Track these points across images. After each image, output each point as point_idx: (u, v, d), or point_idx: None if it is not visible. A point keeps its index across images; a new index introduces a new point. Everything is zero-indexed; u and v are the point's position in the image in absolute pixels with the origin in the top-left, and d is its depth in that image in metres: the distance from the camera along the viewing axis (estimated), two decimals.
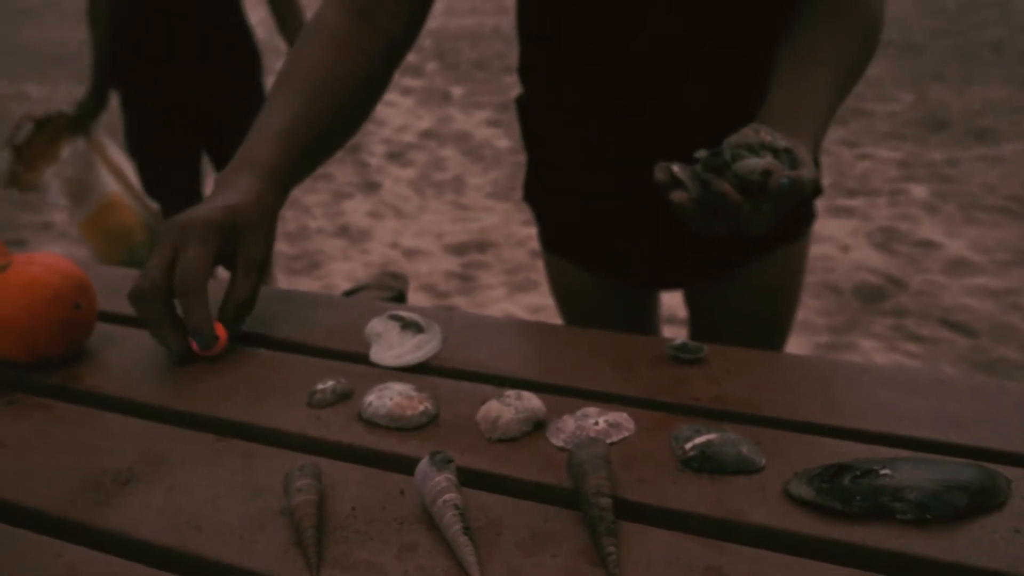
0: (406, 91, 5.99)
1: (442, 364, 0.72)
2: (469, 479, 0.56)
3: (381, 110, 5.51)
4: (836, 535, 0.49)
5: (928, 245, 3.12)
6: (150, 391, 0.69)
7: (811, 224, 1.03)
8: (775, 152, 0.66)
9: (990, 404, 0.62)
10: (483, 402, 0.63)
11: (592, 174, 0.97)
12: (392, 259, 3.26)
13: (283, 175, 0.78)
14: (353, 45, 0.82)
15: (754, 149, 0.67)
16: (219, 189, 0.75)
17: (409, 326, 0.74)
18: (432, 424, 0.63)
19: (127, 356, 0.75)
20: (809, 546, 0.49)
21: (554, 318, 2.60)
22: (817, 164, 0.80)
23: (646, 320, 1.16)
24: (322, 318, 0.81)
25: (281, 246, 3.38)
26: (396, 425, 0.62)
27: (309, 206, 3.83)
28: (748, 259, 0.99)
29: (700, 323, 1.12)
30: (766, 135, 0.67)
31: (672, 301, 2.54)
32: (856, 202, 3.57)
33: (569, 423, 0.61)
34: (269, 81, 2.14)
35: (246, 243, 0.73)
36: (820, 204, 3.52)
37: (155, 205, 2.27)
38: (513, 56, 6.88)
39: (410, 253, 3.30)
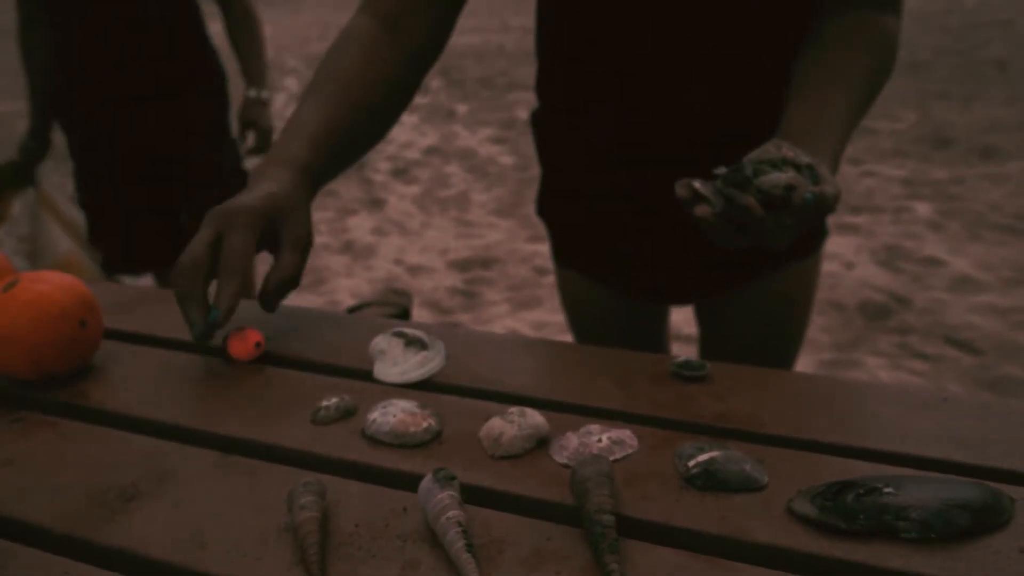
0: (411, 108, 6.02)
1: (446, 381, 0.72)
2: (472, 496, 0.56)
3: None
4: (839, 553, 0.49)
5: (933, 263, 3.12)
6: (155, 408, 0.69)
7: (823, 240, 1.03)
8: (797, 168, 0.67)
9: (995, 423, 0.62)
10: (486, 419, 0.63)
11: (606, 187, 0.97)
12: (396, 275, 3.26)
13: (314, 173, 0.80)
14: (381, 53, 0.85)
15: (776, 164, 0.67)
16: (255, 181, 0.78)
17: (413, 343, 0.74)
18: (435, 441, 0.63)
19: (132, 373, 0.75)
20: (812, 564, 0.49)
21: (558, 335, 2.60)
22: None
23: (656, 336, 1.16)
24: (326, 335, 0.81)
25: None
26: (400, 442, 0.62)
27: (314, 222, 3.84)
28: (760, 274, 1.00)
29: (711, 338, 1.12)
30: (788, 151, 0.68)
31: (678, 318, 2.54)
32: (860, 219, 3.57)
33: (572, 440, 0.61)
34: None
35: (290, 224, 0.75)
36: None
37: (99, 255, 2.00)
38: (518, 74, 6.91)
39: (414, 269, 3.31)
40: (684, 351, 2.46)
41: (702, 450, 0.58)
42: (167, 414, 0.68)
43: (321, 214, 3.96)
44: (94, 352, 0.75)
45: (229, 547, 0.52)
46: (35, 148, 1.93)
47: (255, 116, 1.94)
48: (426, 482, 0.53)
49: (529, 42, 8.29)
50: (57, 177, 2.10)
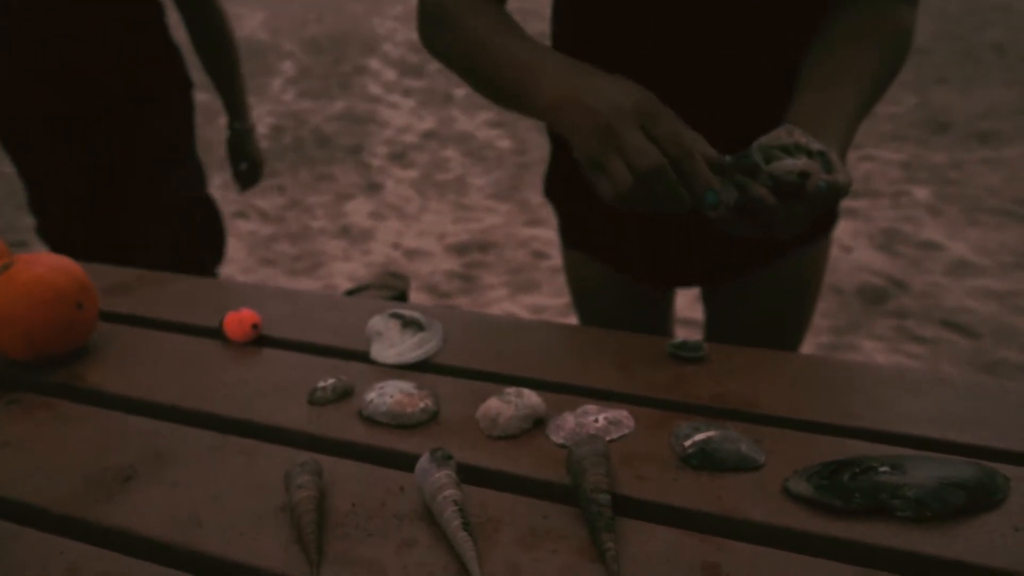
0: (408, 92, 5.99)
1: (443, 362, 0.72)
2: (469, 476, 0.56)
3: (383, 111, 5.51)
4: (835, 532, 0.49)
5: (930, 247, 3.12)
6: (152, 389, 0.69)
7: (833, 225, 1.03)
8: (809, 154, 0.65)
9: (990, 403, 0.62)
10: (483, 400, 0.63)
11: None
12: (394, 259, 3.26)
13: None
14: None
15: (788, 150, 0.66)
16: (589, 78, 0.70)
17: (410, 324, 0.74)
18: (432, 421, 0.63)
19: (129, 355, 0.75)
20: (808, 543, 0.49)
21: (556, 319, 2.60)
22: None
23: (661, 319, 1.16)
24: (323, 316, 0.81)
25: (283, 246, 3.38)
26: (396, 422, 0.62)
27: (311, 206, 3.83)
28: (768, 259, 0.99)
29: (716, 322, 1.11)
30: (800, 136, 0.66)
31: (679, 302, 2.54)
32: (859, 203, 3.57)
33: (569, 420, 0.61)
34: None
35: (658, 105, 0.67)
36: None
37: None
38: None
39: (412, 254, 3.30)
40: (686, 335, 2.47)
41: (698, 430, 0.58)
42: (164, 395, 0.68)
43: (318, 198, 3.95)
44: (90, 334, 0.75)
45: (226, 527, 0.52)
46: None
47: (246, 147, 1.76)
48: (423, 462, 0.53)
49: (527, 25, 8.26)
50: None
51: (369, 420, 0.63)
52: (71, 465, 0.59)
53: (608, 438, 0.59)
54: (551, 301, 2.80)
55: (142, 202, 1.57)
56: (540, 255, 3.19)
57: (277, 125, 5.20)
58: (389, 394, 0.63)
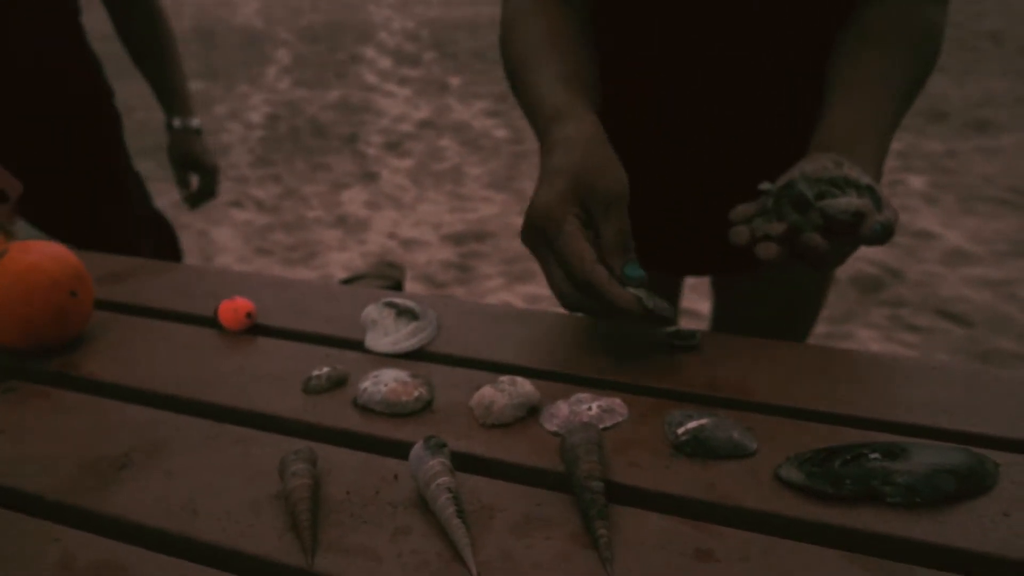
0: (404, 81, 5.97)
1: (437, 350, 0.72)
2: (463, 464, 0.56)
3: (378, 100, 5.50)
4: (826, 518, 0.50)
5: (926, 236, 3.13)
6: (147, 378, 0.69)
7: None
8: (858, 188, 0.64)
9: (980, 391, 0.63)
10: (477, 388, 0.64)
11: (629, 157, 0.97)
12: (390, 249, 3.25)
13: (585, 98, 0.75)
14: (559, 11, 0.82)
15: (837, 183, 0.64)
16: (551, 154, 0.69)
17: (404, 313, 0.74)
18: (426, 410, 0.63)
19: (123, 343, 0.75)
20: (799, 529, 0.50)
21: (552, 308, 2.60)
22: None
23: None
24: (317, 305, 0.81)
25: (278, 236, 3.38)
26: (391, 411, 0.62)
27: (307, 196, 3.83)
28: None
29: (725, 311, 1.11)
30: (850, 170, 0.64)
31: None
32: None
33: (563, 408, 0.61)
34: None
35: (600, 190, 0.65)
36: None
37: None
38: None
39: (408, 243, 3.30)
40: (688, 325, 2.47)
41: (691, 417, 0.58)
42: (159, 384, 0.68)
43: (314, 187, 3.95)
44: (85, 322, 0.75)
45: (221, 515, 0.52)
46: None
47: (191, 151, 1.44)
48: (417, 449, 0.53)
49: None
50: None
51: (364, 408, 0.63)
52: (66, 453, 0.59)
53: (602, 426, 0.59)
54: (547, 291, 2.80)
55: (81, 233, 1.31)
56: None
57: (272, 114, 5.19)
58: (384, 383, 0.63)
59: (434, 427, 0.61)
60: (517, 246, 3.19)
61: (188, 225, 3.46)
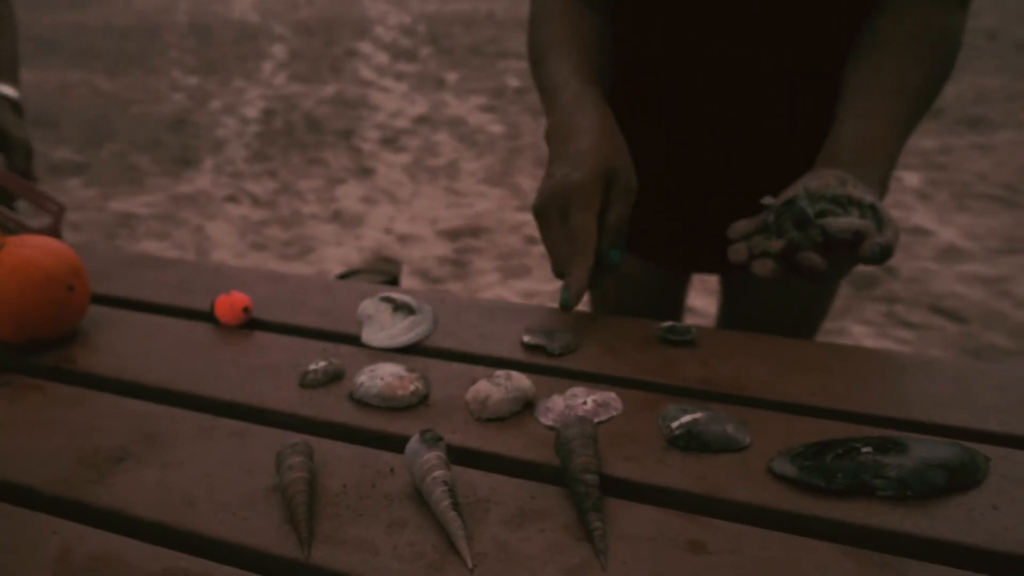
0: (400, 76, 5.97)
1: (433, 345, 0.72)
2: (458, 457, 0.57)
3: (374, 95, 5.49)
4: (818, 512, 0.50)
5: (920, 232, 3.14)
6: (143, 372, 0.70)
7: None
8: (860, 206, 0.64)
9: (972, 385, 0.63)
10: (473, 382, 0.64)
11: (640, 155, 0.97)
12: (385, 244, 3.26)
13: (602, 92, 0.80)
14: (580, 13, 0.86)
15: (840, 202, 0.64)
16: (569, 139, 0.74)
17: (401, 308, 0.74)
18: (422, 404, 0.63)
19: (120, 337, 0.75)
20: (791, 522, 0.50)
21: (547, 304, 2.60)
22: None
23: (674, 305, 1.15)
24: (314, 300, 0.81)
25: (274, 231, 3.38)
26: (387, 405, 0.63)
27: (302, 191, 3.82)
28: None
29: (732, 308, 1.11)
30: (853, 188, 0.64)
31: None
32: None
33: (558, 403, 0.61)
34: None
35: (620, 176, 0.72)
36: None
37: None
38: (508, 42, 6.85)
39: (403, 238, 3.30)
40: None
41: (686, 412, 0.59)
42: (156, 378, 0.69)
43: (309, 183, 3.94)
44: (82, 317, 0.75)
45: (218, 507, 0.53)
46: None
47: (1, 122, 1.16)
48: (412, 443, 0.53)
49: (519, 9, 8.21)
50: None
51: (360, 402, 0.64)
52: (63, 447, 0.60)
53: (596, 420, 0.60)
54: (543, 286, 2.81)
55: None
56: (532, 240, 3.19)
57: (268, 109, 5.18)
58: (380, 377, 0.64)
59: (430, 421, 0.61)
60: (513, 241, 3.20)
61: (184, 221, 3.45)
